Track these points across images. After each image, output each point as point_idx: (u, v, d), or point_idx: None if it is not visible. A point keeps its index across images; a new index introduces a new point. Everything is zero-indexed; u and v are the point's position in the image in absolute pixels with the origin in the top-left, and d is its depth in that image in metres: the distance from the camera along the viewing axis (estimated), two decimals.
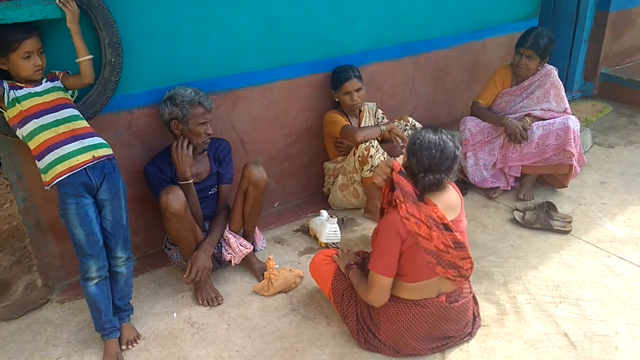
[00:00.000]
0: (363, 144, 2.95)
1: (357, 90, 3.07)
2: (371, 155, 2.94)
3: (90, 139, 2.10)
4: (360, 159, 2.98)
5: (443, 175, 1.93)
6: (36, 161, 2.05)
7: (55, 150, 2.01)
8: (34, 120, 2.01)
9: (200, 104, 2.46)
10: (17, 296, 2.59)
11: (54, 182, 2.02)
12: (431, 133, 1.95)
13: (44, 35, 2.13)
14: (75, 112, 2.12)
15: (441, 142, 1.92)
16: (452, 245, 1.93)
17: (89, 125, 2.14)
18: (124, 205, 2.20)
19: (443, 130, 1.98)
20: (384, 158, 2.98)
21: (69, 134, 2.04)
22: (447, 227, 1.93)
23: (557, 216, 3.03)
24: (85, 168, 2.04)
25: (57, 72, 2.17)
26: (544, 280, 2.57)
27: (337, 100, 3.15)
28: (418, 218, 1.90)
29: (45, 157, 2.02)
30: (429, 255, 1.92)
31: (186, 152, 2.47)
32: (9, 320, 2.45)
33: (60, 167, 2.02)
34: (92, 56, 2.17)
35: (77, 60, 2.14)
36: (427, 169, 1.92)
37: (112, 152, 2.16)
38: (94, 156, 2.07)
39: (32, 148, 2.03)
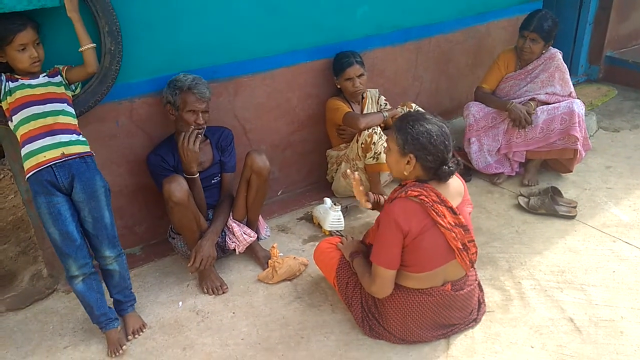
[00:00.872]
0: (366, 131, 2.93)
1: (359, 77, 3.04)
2: (374, 142, 2.92)
3: (65, 135, 2.01)
4: (363, 146, 2.96)
5: (450, 165, 1.93)
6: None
7: (28, 145, 1.97)
8: (20, 112, 1.98)
9: (191, 91, 2.40)
10: (23, 286, 2.60)
11: (26, 177, 1.99)
12: (427, 125, 1.90)
13: (44, 26, 2.11)
14: (61, 106, 2.05)
15: (442, 129, 1.91)
16: (461, 226, 1.95)
17: (73, 122, 2.07)
18: (104, 205, 2.10)
19: (428, 115, 1.96)
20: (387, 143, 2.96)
21: (46, 128, 1.98)
22: (452, 210, 1.94)
23: (562, 201, 3.01)
24: (51, 166, 1.96)
25: (60, 67, 2.14)
26: (549, 265, 2.56)
27: (339, 87, 3.12)
28: (430, 197, 1.90)
29: (22, 150, 1.98)
30: (446, 231, 1.90)
31: (192, 147, 2.42)
32: (15, 310, 2.47)
33: (29, 163, 1.97)
34: (94, 44, 2.15)
35: (80, 49, 2.12)
36: (441, 162, 1.91)
37: (87, 151, 2.07)
38: (62, 153, 1.98)
39: (18, 140, 2.01)
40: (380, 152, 2.93)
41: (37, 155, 1.96)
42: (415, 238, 1.90)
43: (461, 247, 1.97)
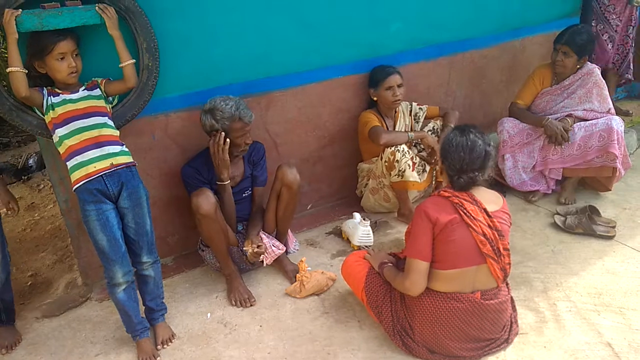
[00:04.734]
0: (389, 149, 2.92)
1: (399, 86, 3.06)
2: (397, 160, 2.90)
3: (111, 146, 2.10)
4: (386, 164, 2.95)
5: (477, 174, 1.98)
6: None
7: (76, 157, 2.04)
8: (65, 126, 2.05)
9: (241, 120, 2.46)
10: (58, 294, 2.68)
11: (74, 188, 2.06)
12: (458, 135, 2.00)
13: (86, 42, 2.19)
14: (104, 119, 2.13)
15: (469, 142, 1.96)
16: (496, 230, 1.95)
17: (115, 134, 2.15)
18: (146, 212, 2.19)
19: (472, 129, 2.01)
20: (412, 161, 2.94)
21: (92, 140, 2.06)
22: (486, 212, 1.96)
23: (600, 221, 2.91)
24: (102, 175, 2.05)
25: (99, 80, 2.21)
26: (586, 287, 2.47)
27: (375, 99, 3.12)
28: (461, 197, 1.96)
29: (68, 163, 2.06)
30: (478, 235, 1.92)
31: (222, 155, 2.45)
32: (50, 317, 2.54)
33: (78, 174, 2.04)
34: (134, 60, 2.22)
35: (121, 65, 2.19)
36: (460, 170, 1.98)
37: (132, 160, 2.16)
38: (112, 164, 2.07)
39: (61, 153, 2.09)
40: (404, 170, 2.91)
41: (87, 166, 2.04)
42: (444, 229, 1.92)
43: (493, 252, 1.94)
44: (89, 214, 2.06)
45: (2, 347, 2.32)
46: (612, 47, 4.16)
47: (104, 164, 2.06)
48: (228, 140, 2.44)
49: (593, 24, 4.07)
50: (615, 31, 4.11)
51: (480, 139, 1.97)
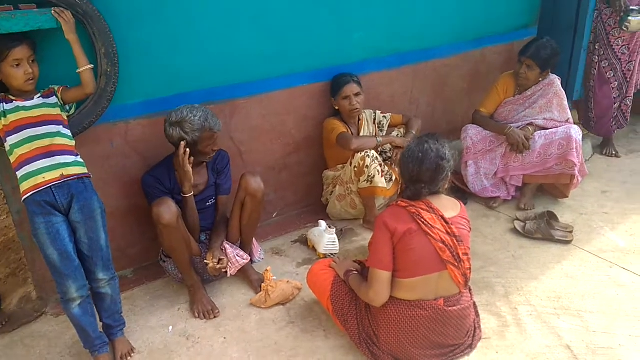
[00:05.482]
0: (358, 154, 2.93)
1: (356, 95, 3.06)
2: (367, 165, 2.91)
3: (63, 156, 2.01)
4: (356, 169, 2.95)
5: (423, 186, 1.97)
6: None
7: (26, 167, 1.95)
8: (16, 134, 1.97)
9: (211, 130, 2.41)
10: (11, 309, 2.55)
11: (22, 199, 1.97)
12: (414, 145, 2.01)
13: (42, 47, 2.12)
14: (57, 128, 2.04)
15: (420, 155, 1.96)
16: (454, 236, 1.96)
17: (70, 143, 2.07)
18: (101, 226, 2.09)
19: (430, 140, 1.99)
20: (381, 168, 2.96)
21: (43, 150, 1.97)
22: (444, 219, 1.97)
23: (559, 226, 3.00)
24: (50, 187, 1.95)
25: (55, 87, 2.13)
26: (546, 291, 2.53)
27: (337, 108, 3.13)
28: (418, 206, 1.96)
29: (18, 172, 1.98)
30: (437, 242, 1.93)
31: (184, 167, 2.40)
32: (1, 333, 2.41)
33: (26, 184, 1.96)
34: (92, 66, 2.15)
35: (78, 70, 2.12)
36: (409, 180, 2.01)
37: (85, 172, 2.07)
38: (62, 174, 1.98)
39: (12, 162, 1.99)
40: (373, 176, 2.92)
41: (36, 176, 1.95)
42: (403, 238, 1.93)
43: (453, 258, 1.96)
44: (38, 227, 1.96)
45: None
46: (615, 78, 3.81)
47: (54, 174, 1.97)
48: (188, 150, 2.39)
49: (592, 46, 3.82)
50: (619, 59, 3.76)
51: (434, 151, 1.96)
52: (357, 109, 3.08)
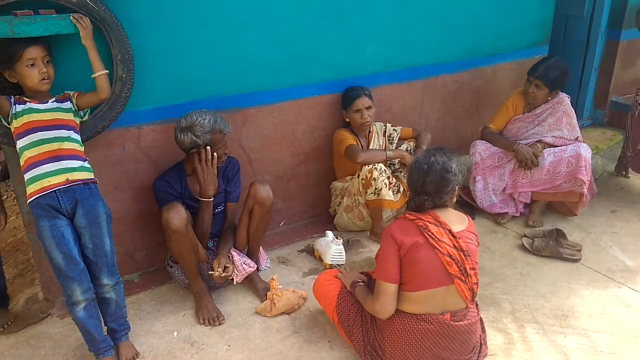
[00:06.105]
0: (366, 167, 2.94)
1: (368, 109, 3.07)
2: (374, 178, 2.92)
3: (70, 161, 2.01)
4: (363, 182, 2.96)
5: (427, 198, 1.98)
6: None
7: (33, 170, 1.96)
8: (26, 137, 1.98)
9: (221, 132, 2.44)
10: (17, 309, 2.57)
11: (27, 202, 1.98)
12: (422, 157, 2.02)
13: (58, 52, 2.15)
14: (68, 133, 2.05)
15: (425, 166, 1.97)
16: (461, 250, 1.95)
17: (79, 148, 2.08)
18: (105, 232, 2.08)
19: (438, 153, 2.00)
20: (388, 180, 2.96)
21: (51, 154, 1.98)
22: (451, 233, 1.96)
23: (567, 244, 2.98)
24: (55, 191, 1.95)
25: (70, 93, 2.16)
26: (553, 309, 2.51)
27: (347, 120, 3.14)
28: (425, 219, 1.96)
29: (25, 175, 1.98)
30: (444, 256, 1.92)
31: (210, 170, 2.43)
32: (8, 333, 2.42)
33: (32, 187, 1.96)
34: (107, 71, 2.18)
35: (93, 76, 2.15)
36: (414, 191, 2.02)
37: (91, 177, 2.07)
38: (67, 179, 1.98)
39: (21, 164, 2.01)
40: (381, 189, 2.93)
41: (42, 180, 1.96)
42: (410, 251, 1.92)
43: (460, 272, 1.95)
44: (43, 230, 1.96)
45: None
46: None
47: (59, 179, 1.97)
48: (216, 154, 2.41)
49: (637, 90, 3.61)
50: None
51: (440, 164, 1.96)
52: (368, 122, 3.09)
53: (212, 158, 2.41)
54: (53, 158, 1.98)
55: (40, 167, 1.97)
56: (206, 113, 2.43)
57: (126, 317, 2.29)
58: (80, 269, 2.03)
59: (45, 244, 1.98)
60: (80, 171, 2.03)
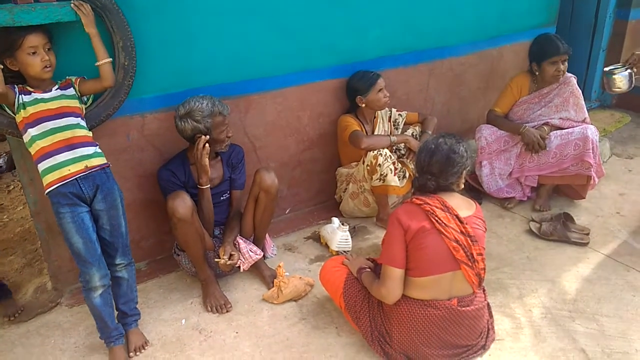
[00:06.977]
0: (371, 152, 2.91)
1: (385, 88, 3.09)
2: (379, 164, 2.90)
3: (85, 148, 2.05)
4: (368, 168, 2.94)
5: (430, 177, 2.00)
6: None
7: (48, 159, 1.98)
8: (36, 126, 1.99)
9: (221, 114, 2.43)
10: (26, 299, 2.59)
11: (46, 191, 2.00)
12: (431, 139, 2.06)
13: (61, 39, 2.13)
14: (77, 120, 2.07)
15: (433, 146, 2.01)
16: (468, 236, 1.95)
17: (88, 134, 2.10)
18: (121, 214, 2.15)
19: (447, 136, 2.03)
20: (394, 166, 2.94)
21: (64, 142, 2.00)
22: (459, 219, 1.96)
23: (575, 228, 2.96)
24: (77, 178, 2.00)
25: (73, 79, 2.15)
26: (561, 293, 2.50)
27: (363, 104, 3.08)
28: (432, 204, 1.95)
29: (39, 165, 2.00)
30: (450, 241, 1.92)
31: (201, 160, 2.41)
32: (17, 323, 2.44)
33: (51, 177, 1.98)
34: (111, 59, 2.17)
35: (97, 64, 2.14)
36: (420, 171, 2.05)
37: (105, 162, 2.11)
38: (86, 166, 2.02)
39: (32, 153, 2.02)
40: (386, 174, 2.91)
41: (61, 169, 1.98)
42: (416, 236, 1.92)
43: (466, 258, 1.94)
44: (64, 216, 2.00)
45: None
46: None
47: (78, 166, 2.01)
48: (207, 146, 2.40)
49: None
50: None
51: (447, 144, 1.98)
52: (389, 101, 3.10)
53: (204, 148, 2.39)
54: (68, 147, 2.01)
55: (56, 156, 1.99)
56: (202, 97, 2.42)
57: (137, 302, 2.32)
58: (99, 254, 2.09)
59: (66, 229, 2.02)
60: (95, 157, 2.08)
